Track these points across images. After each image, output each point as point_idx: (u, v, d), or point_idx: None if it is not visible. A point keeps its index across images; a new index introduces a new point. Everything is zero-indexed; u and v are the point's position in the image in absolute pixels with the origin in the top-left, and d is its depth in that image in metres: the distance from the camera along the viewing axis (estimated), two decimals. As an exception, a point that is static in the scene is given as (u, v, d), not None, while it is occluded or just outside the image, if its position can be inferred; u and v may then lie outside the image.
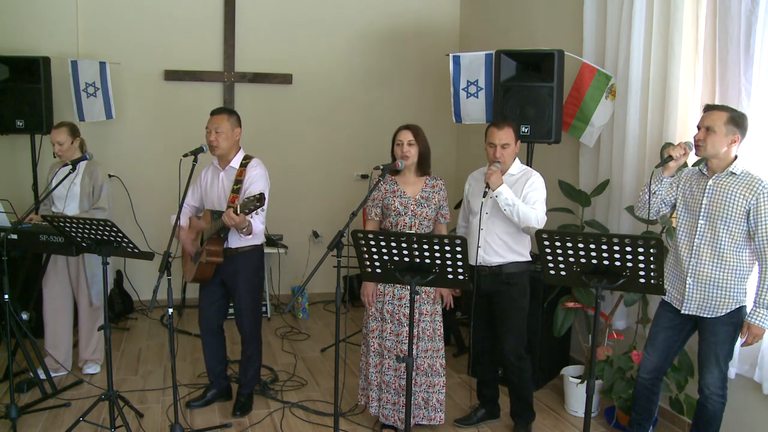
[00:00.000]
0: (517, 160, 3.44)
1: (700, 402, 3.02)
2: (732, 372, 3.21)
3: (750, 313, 2.81)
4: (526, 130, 4.03)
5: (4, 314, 3.55)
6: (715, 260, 2.87)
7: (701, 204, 2.91)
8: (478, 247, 3.36)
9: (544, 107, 3.98)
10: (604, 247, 2.36)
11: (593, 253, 2.39)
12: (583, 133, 4.19)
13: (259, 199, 3.11)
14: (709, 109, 2.92)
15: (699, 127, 2.91)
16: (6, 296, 3.33)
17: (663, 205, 3.11)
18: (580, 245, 2.40)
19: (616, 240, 2.33)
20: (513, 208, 3.22)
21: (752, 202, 2.76)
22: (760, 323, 2.78)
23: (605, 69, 4.07)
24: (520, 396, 3.52)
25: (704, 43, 3.45)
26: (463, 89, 4.58)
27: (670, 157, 3.00)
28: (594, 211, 4.20)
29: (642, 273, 2.37)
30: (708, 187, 2.90)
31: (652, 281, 2.38)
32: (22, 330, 3.82)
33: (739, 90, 3.19)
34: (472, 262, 3.39)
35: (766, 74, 3.11)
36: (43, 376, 3.92)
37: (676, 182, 3.09)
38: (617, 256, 2.36)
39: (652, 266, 2.34)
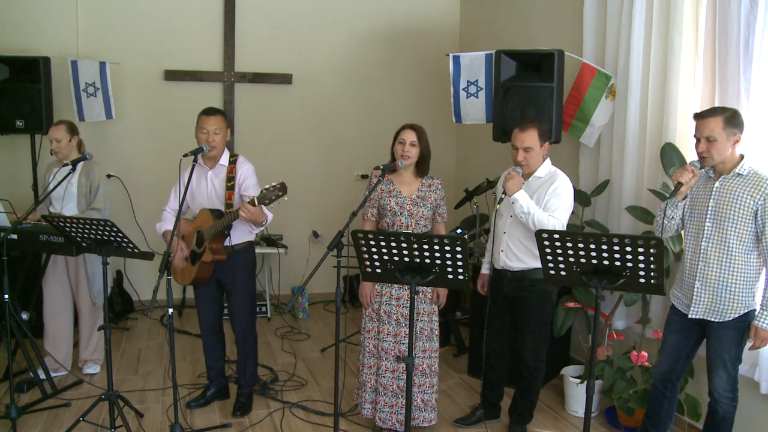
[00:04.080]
0: (547, 161, 3.35)
1: (710, 405, 2.97)
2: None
3: (757, 316, 2.76)
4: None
5: (4, 314, 3.55)
6: (724, 263, 2.82)
7: (707, 207, 2.86)
8: (501, 251, 3.33)
9: (544, 107, 3.98)
10: (604, 247, 2.35)
11: (593, 253, 2.39)
12: (583, 133, 4.19)
13: (281, 188, 3.08)
14: (701, 117, 2.84)
15: (698, 138, 2.83)
16: (6, 296, 3.33)
17: (682, 222, 3.03)
18: (580, 245, 2.40)
19: (616, 240, 2.33)
20: (528, 216, 3.15)
21: (759, 202, 2.72)
22: (766, 326, 2.72)
23: (605, 69, 4.07)
24: (527, 397, 3.51)
25: (704, 43, 3.45)
26: (463, 89, 4.58)
27: (680, 184, 2.87)
28: (594, 211, 4.20)
29: (642, 273, 2.36)
30: (714, 189, 2.85)
31: (652, 281, 2.37)
32: (22, 330, 3.82)
33: (739, 90, 3.18)
34: (497, 266, 3.40)
35: (765, 74, 3.11)
36: (43, 376, 3.92)
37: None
38: (617, 256, 2.36)
39: (652, 266, 2.34)
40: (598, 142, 4.20)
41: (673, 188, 2.90)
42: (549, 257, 2.50)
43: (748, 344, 2.86)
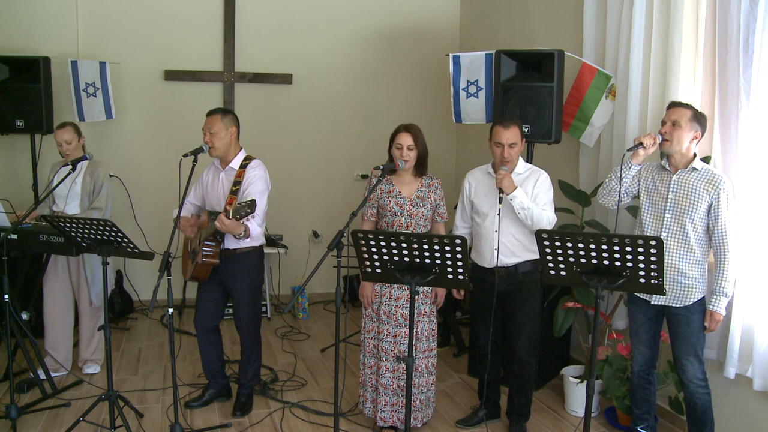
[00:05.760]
0: (520, 158, 3.41)
1: (687, 399, 3.09)
2: (732, 372, 3.22)
3: (711, 301, 2.98)
4: (526, 130, 4.02)
5: (4, 314, 3.55)
6: (682, 252, 3.00)
7: (667, 198, 3.04)
8: (495, 249, 3.32)
9: (544, 107, 3.98)
10: (604, 247, 2.36)
11: (593, 253, 2.40)
12: (583, 133, 4.19)
13: (251, 205, 3.07)
14: (674, 105, 3.07)
15: (664, 122, 3.04)
16: (6, 296, 3.33)
17: (625, 195, 3.22)
18: (580, 245, 2.40)
19: (616, 240, 2.34)
20: (527, 212, 3.20)
21: (714, 196, 2.92)
22: (720, 309, 2.96)
23: (605, 69, 4.07)
24: (522, 394, 3.51)
25: (704, 43, 3.45)
26: (463, 89, 4.58)
27: (641, 144, 3.08)
28: (594, 211, 4.19)
29: (642, 273, 2.37)
30: (673, 182, 3.03)
31: (652, 281, 2.39)
32: (22, 330, 3.82)
33: (739, 90, 3.18)
34: (487, 264, 3.39)
35: (765, 74, 3.11)
36: (43, 376, 3.92)
37: (636, 176, 3.20)
38: (617, 256, 2.36)
39: (652, 266, 2.34)
40: (598, 142, 4.21)
41: (632, 146, 3.11)
42: (549, 257, 2.50)
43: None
